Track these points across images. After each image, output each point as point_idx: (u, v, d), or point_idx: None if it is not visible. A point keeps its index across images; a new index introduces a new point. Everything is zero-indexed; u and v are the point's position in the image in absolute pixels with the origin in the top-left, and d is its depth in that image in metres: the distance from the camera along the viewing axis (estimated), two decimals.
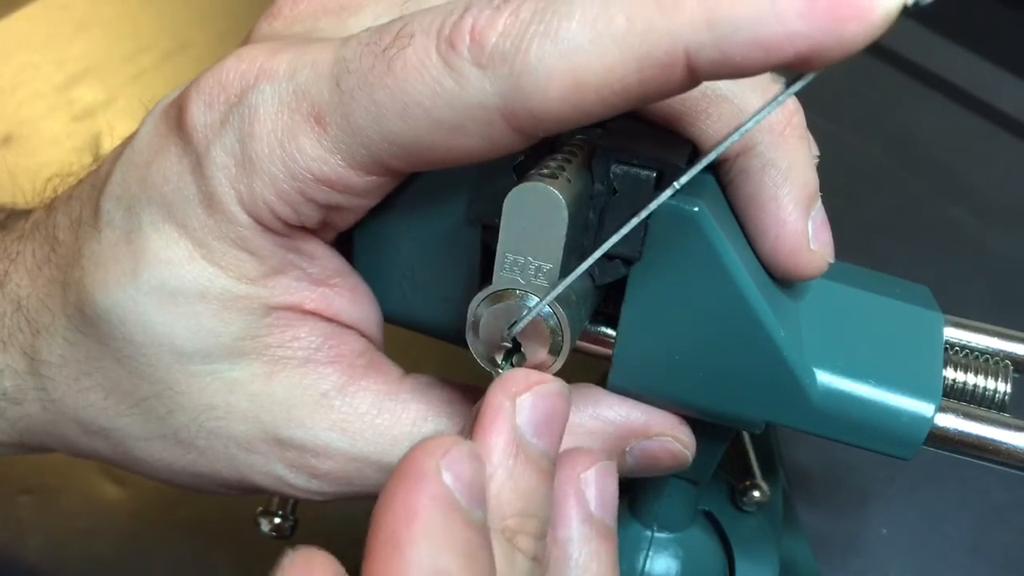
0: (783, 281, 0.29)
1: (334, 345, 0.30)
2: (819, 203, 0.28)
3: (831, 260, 0.29)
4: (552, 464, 0.25)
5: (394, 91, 0.24)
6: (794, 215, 0.28)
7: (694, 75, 0.21)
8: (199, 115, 0.27)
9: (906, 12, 0.20)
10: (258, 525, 0.38)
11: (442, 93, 0.23)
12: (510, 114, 0.23)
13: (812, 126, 0.29)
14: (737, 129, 0.22)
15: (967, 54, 0.67)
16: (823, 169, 0.29)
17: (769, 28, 0.20)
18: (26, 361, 0.31)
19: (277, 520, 0.38)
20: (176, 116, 0.28)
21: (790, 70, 0.21)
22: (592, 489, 0.26)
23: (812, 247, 0.28)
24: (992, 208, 0.60)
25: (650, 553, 0.37)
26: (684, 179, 0.23)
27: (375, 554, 0.20)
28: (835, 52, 0.20)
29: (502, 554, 0.22)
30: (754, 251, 0.29)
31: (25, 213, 0.34)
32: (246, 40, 0.31)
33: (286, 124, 0.25)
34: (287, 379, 0.29)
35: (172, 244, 0.28)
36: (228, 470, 0.30)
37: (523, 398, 0.24)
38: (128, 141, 0.30)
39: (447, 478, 0.21)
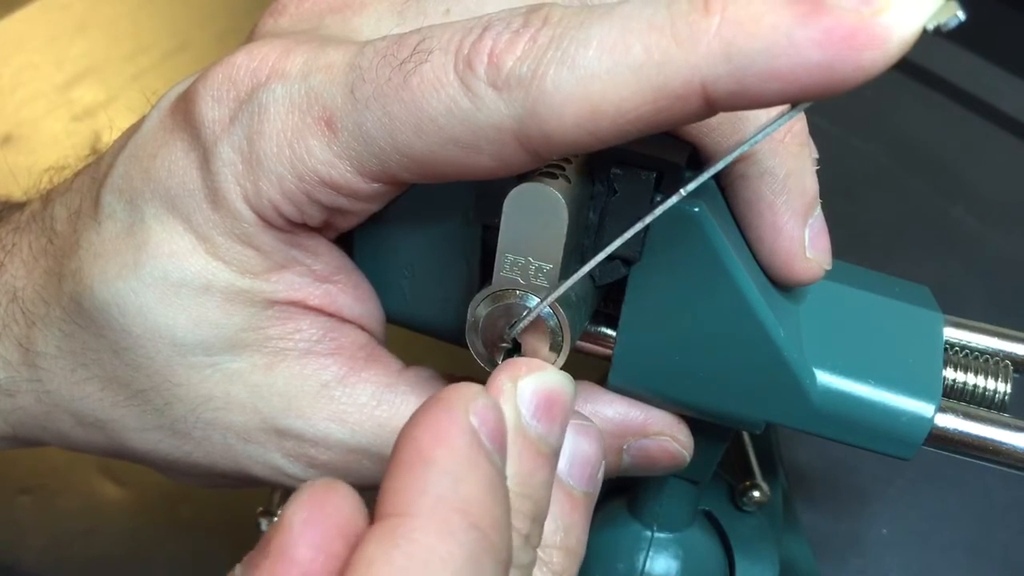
0: (781, 285, 0.29)
1: (335, 337, 0.30)
2: (818, 210, 0.28)
3: (828, 267, 0.29)
4: (553, 451, 0.25)
5: (409, 106, 0.24)
6: (790, 223, 0.28)
7: (711, 106, 0.21)
8: (208, 110, 0.27)
9: (927, 34, 0.20)
10: (258, 525, 0.38)
11: (457, 112, 0.23)
12: (524, 137, 0.23)
13: (812, 127, 0.29)
14: (747, 140, 0.22)
15: (967, 54, 0.67)
16: (823, 170, 0.29)
17: (786, 59, 0.20)
18: (21, 352, 0.31)
19: (276, 520, 0.38)
20: (184, 110, 0.28)
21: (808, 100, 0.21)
22: (563, 448, 0.26)
23: (808, 255, 0.28)
24: (992, 208, 0.60)
25: (650, 553, 0.37)
26: (691, 186, 0.23)
27: (399, 468, 0.20)
28: (853, 80, 0.20)
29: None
30: (752, 254, 0.29)
31: (21, 205, 0.34)
32: (250, 36, 0.31)
33: (296, 125, 0.25)
34: (288, 370, 0.29)
35: (176, 237, 0.28)
36: (226, 461, 0.31)
37: (524, 381, 0.24)
38: (130, 134, 0.30)
39: (473, 420, 0.21)
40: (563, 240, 0.25)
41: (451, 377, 0.31)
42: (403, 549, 0.19)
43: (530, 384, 0.24)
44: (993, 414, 0.30)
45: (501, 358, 0.27)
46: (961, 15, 0.19)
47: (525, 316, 0.26)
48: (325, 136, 0.25)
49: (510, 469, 0.23)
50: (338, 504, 0.20)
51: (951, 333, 0.32)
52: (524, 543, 0.23)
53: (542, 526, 0.24)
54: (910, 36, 0.19)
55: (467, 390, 0.22)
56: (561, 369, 0.27)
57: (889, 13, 0.19)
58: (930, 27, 0.19)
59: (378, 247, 0.31)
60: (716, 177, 0.29)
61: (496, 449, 0.22)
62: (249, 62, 0.27)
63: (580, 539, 0.26)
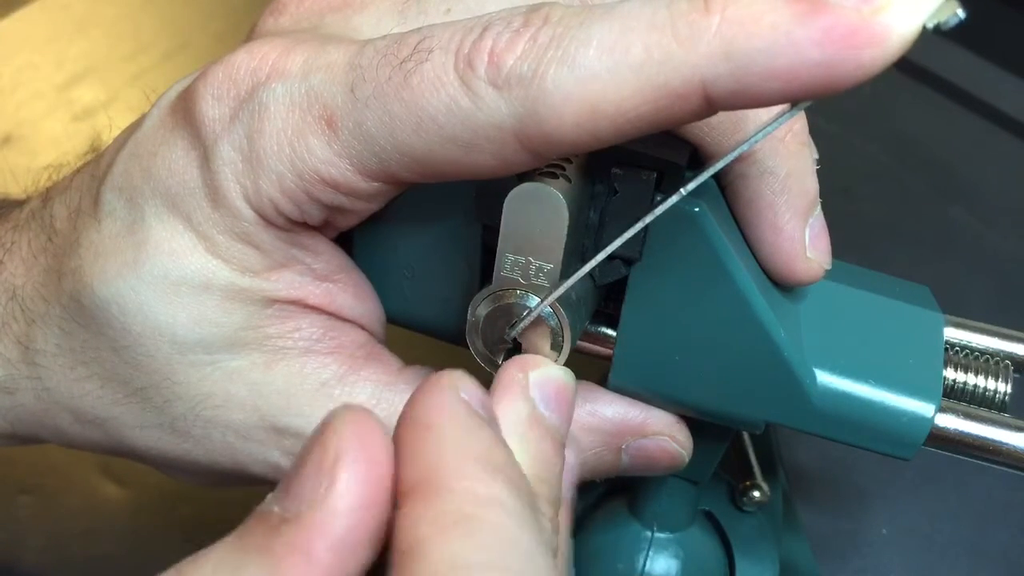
0: (781, 285, 0.29)
1: (335, 336, 0.30)
2: (818, 210, 0.28)
3: (828, 267, 0.29)
4: (563, 441, 0.25)
5: (409, 105, 0.24)
6: (791, 223, 0.28)
7: (711, 105, 0.21)
8: (208, 109, 0.27)
9: (926, 33, 0.20)
10: None
11: (457, 111, 0.23)
12: (524, 136, 0.23)
13: (812, 126, 0.29)
14: (748, 139, 0.22)
15: (967, 54, 0.67)
16: (823, 169, 0.29)
17: (786, 58, 0.20)
18: (20, 350, 0.31)
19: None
20: (184, 109, 0.28)
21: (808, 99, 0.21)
22: None
23: (808, 255, 0.28)
24: (992, 208, 0.60)
25: (650, 553, 0.37)
26: (691, 185, 0.23)
27: (408, 442, 0.20)
28: (853, 78, 0.20)
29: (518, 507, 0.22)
30: (752, 254, 0.29)
31: (20, 203, 0.34)
32: (250, 35, 0.31)
33: (296, 124, 0.25)
34: (287, 368, 0.29)
35: (176, 236, 0.28)
36: (224, 459, 0.31)
37: (535, 373, 0.25)
38: (130, 132, 0.30)
39: (464, 395, 0.21)
40: (563, 240, 0.25)
41: None
42: (447, 504, 0.19)
43: (540, 376, 0.25)
44: (993, 414, 0.30)
45: (501, 358, 0.27)
46: (961, 13, 0.19)
47: (526, 316, 0.26)
48: (325, 135, 0.25)
49: (530, 455, 0.23)
50: (382, 445, 0.20)
51: (951, 333, 0.32)
52: (552, 529, 0.23)
53: (559, 513, 0.25)
54: (910, 35, 0.19)
55: (451, 374, 0.22)
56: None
57: (889, 12, 0.19)
58: (930, 25, 0.19)
59: (378, 247, 0.31)
60: (716, 177, 0.29)
61: (490, 420, 0.22)
62: (249, 61, 0.27)
63: (566, 543, 0.27)
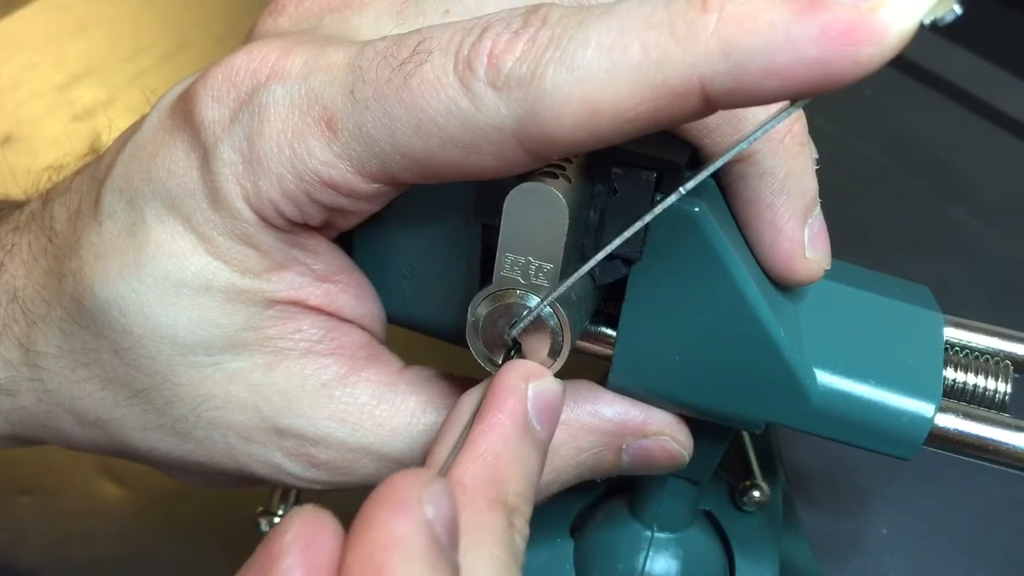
0: (781, 285, 0.29)
1: (335, 337, 0.30)
2: (817, 210, 0.28)
3: (827, 267, 0.29)
4: (546, 454, 0.25)
5: (409, 106, 0.24)
6: (790, 224, 0.28)
7: (710, 104, 0.21)
8: (208, 110, 0.27)
9: (923, 29, 0.20)
10: (258, 525, 0.38)
11: (457, 112, 0.23)
12: (524, 137, 0.23)
13: (812, 126, 0.29)
14: (746, 138, 0.22)
15: (967, 54, 0.67)
16: (823, 170, 0.29)
17: (784, 56, 0.20)
18: (21, 352, 0.31)
19: (277, 520, 0.38)
20: (184, 110, 0.28)
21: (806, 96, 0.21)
22: None
23: (808, 255, 0.28)
24: (992, 208, 0.60)
25: (650, 553, 0.37)
26: (691, 184, 0.23)
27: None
28: (851, 76, 0.20)
29: (504, 528, 0.22)
30: (752, 254, 0.29)
31: (20, 204, 0.34)
32: (249, 36, 0.31)
33: (296, 126, 0.25)
34: (288, 369, 0.29)
35: (176, 237, 0.28)
36: (226, 460, 0.31)
37: (534, 385, 0.25)
38: (130, 133, 0.30)
39: (429, 510, 0.20)
40: (563, 239, 0.25)
41: (451, 377, 0.31)
42: None
43: (537, 388, 0.25)
44: (993, 414, 0.30)
45: (501, 358, 0.27)
46: (958, 9, 0.19)
47: (525, 316, 0.26)
48: (325, 136, 0.25)
49: (519, 471, 0.23)
50: (325, 543, 0.20)
51: (951, 333, 0.32)
52: (523, 543, 0.23)
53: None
54: (907, 31, 0.19)
55: (415, 480, 0.20)
56: (562, 368, 0.27)
57: (886, 8, 0.19)
58: (927, 21, 0.19)
59: (378, 247, 0.31)
60: (716, 177, 0.29)
61: (453, 546, 0.21)
62: (249, 62, 0.27)
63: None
